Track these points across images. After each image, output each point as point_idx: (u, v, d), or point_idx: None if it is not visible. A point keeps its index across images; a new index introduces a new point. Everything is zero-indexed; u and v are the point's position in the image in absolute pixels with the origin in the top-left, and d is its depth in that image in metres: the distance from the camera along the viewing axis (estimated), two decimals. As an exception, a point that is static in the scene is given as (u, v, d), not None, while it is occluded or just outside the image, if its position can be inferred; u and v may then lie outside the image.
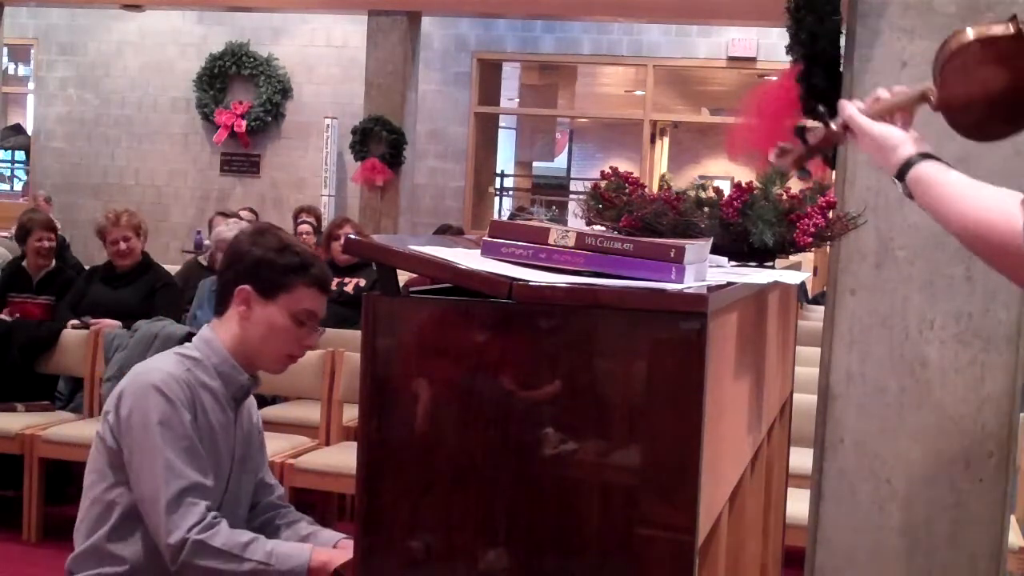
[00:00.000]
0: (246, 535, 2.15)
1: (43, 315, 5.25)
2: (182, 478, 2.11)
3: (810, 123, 1.91)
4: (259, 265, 2.27)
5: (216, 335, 2.29)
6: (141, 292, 5.26)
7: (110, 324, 5.00)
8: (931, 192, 1.70)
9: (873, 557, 2.75)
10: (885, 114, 1.80)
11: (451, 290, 1.43)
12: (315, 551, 2.17)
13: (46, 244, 5.55)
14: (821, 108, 1.89)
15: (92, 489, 2.24)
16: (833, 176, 3.02)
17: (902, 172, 1.73)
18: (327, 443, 4.68)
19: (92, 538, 2.21)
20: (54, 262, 5.65)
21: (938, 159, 1.73)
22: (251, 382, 2.32)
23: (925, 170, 1.71)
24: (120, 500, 2.20)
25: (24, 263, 5.64)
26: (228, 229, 5.87)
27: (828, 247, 2.74)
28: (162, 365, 2.24)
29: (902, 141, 1.76)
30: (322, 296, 2.30)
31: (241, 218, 7.81)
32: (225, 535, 2.11)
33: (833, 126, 1.84)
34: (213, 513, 2.13)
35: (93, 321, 5.05)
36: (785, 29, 3.29)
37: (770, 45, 11.17)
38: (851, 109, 1.82)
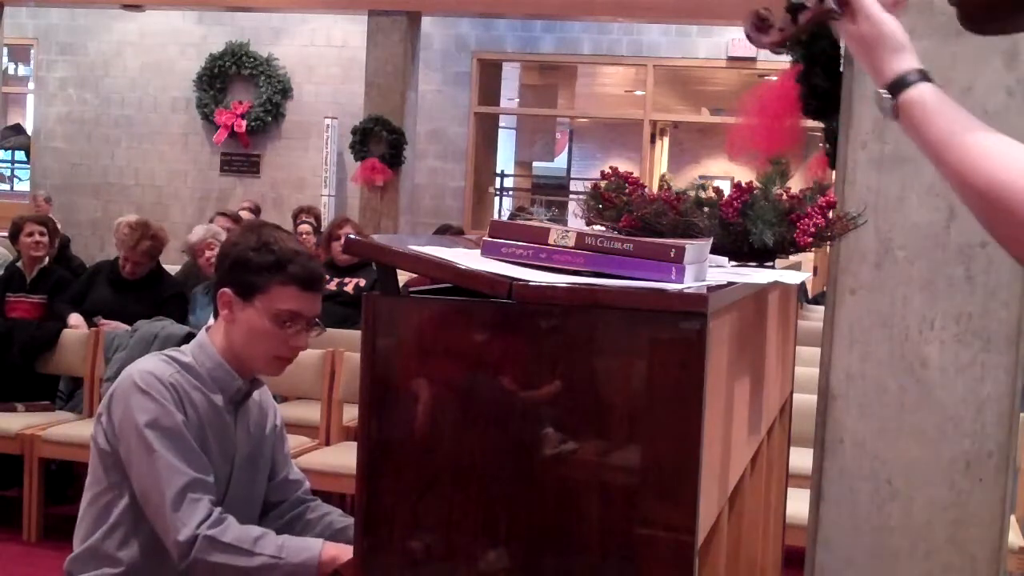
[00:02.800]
0: (256, 530, 2.14)
1: (36, 314, 5.25)
2: (182, 475, 2.10)
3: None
4: (235, 266, 2.22)
5: (210, 339, 2.27)
6: (149, 302, 5.25)
7: (117, 326, 5.00)
8: (929, 125, 1.43)
9: (873, 557, 2.75)
10: None
11: (451, 290, 1.43)
12: (326, 545, 2.15)
13: (37, 238, 5.55)
14: None
15: (89, 491, 2.24)
16: (833, 176, 3.02)
17: (895, 86, 1.46)
18: (327, 443, 4.68)
19: (90, 540, 2.21)
20: (48, 260, 5.64)
21: (938, 85, 1.47)
22: (247, 385, 2.29)
23: (927, 95, 1.44)
24: (116, 502, 2.19)
25: (19, 263, 5.65)
26: (201, 230, 5.85)
27: (828, 247, 2.74)
28: (145, 366, 2.21)
29: (906, 48, 1.48)
30: (304, 294, 2.21)
31: (240, 218, 7.81)
32: (235, 530, 2.10)
33: (830, 2, 1.51)
34: (219, 508, 2.12)
35: (103, 322, 5.04)
36: (785, 29, 3.29)
37: (770, 45, 11.15)
38: None
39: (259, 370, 2.29)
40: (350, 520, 2.36)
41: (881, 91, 1.48)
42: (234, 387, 2.26)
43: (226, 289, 2.22)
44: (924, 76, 1.46)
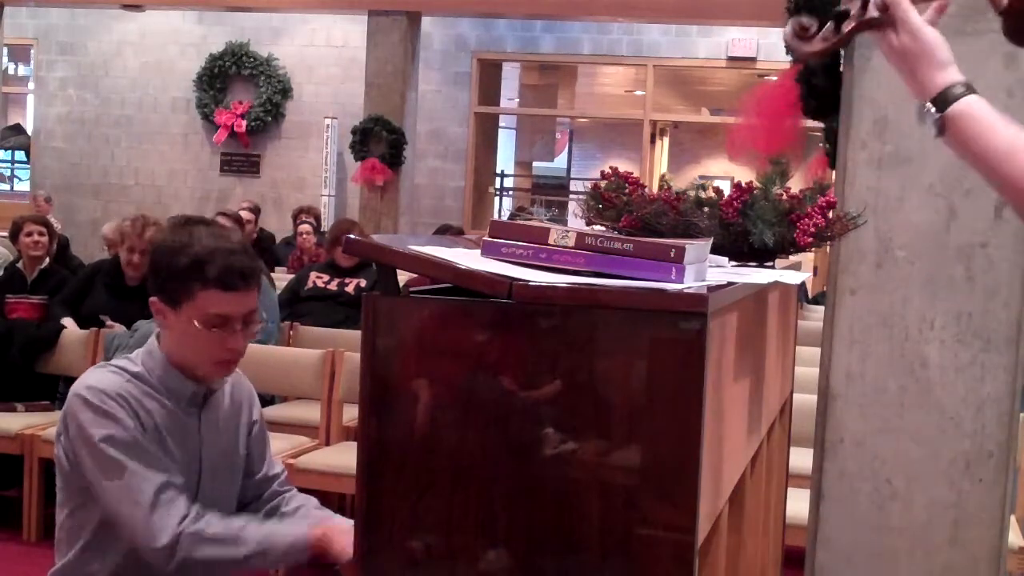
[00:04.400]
0: (239, 519, 2.09)
1: (37, 314, 5.24)
2: (150, 482, 2.03)
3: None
4: (157, 273, 2.12)
5: (158, 345, 2.18)
6: (144, 305, 5.19)
7: (118, 327, 4.99)
8: (979, 138, 1.40)
9: (873, 557, 2.75)
10: (931, 3, 1.50)
11: (451, 290, 1.43)
12: (311, 525, 2.11)
13: (36, 237, 5.54)
14: None
15: (62, 508, 2.18)
16: (833, 176, 3.02)
17: (941, 100, 1.43)
18: (327, 443, 4.68)
19: (67, 556, 2.16)
20: (47, 260, 5.64)
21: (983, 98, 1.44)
22: (202, 389, 2.19)
23: (975, 107, 1.41)
24: (90, 518, 2.14)
25: (20, 264, 5.65)
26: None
27: (828, 247, 2.74)
28: (92, 380, 2.11)
29: (950, 62, 1.45)
30: (229, 294, 2.07)
31: (240, 217, 7.80)
32: (217, 523, 2.05)
33: (873, 10, 1.48)
34: (197, 505, 2.07)
35: (111, 324, 5.03)
36: (785, 29, 3.29)
37: (770, 45, 11.18)
38: None
39: (204, 374, 2.17)
40: (324, 513, 2.33)
41: (926, 105, 1.45)
42: (187, 392, 2.17)
43: (154, 297, 2.13)
44: (970, 89, 1.44)
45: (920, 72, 1.46)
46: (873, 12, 1.48)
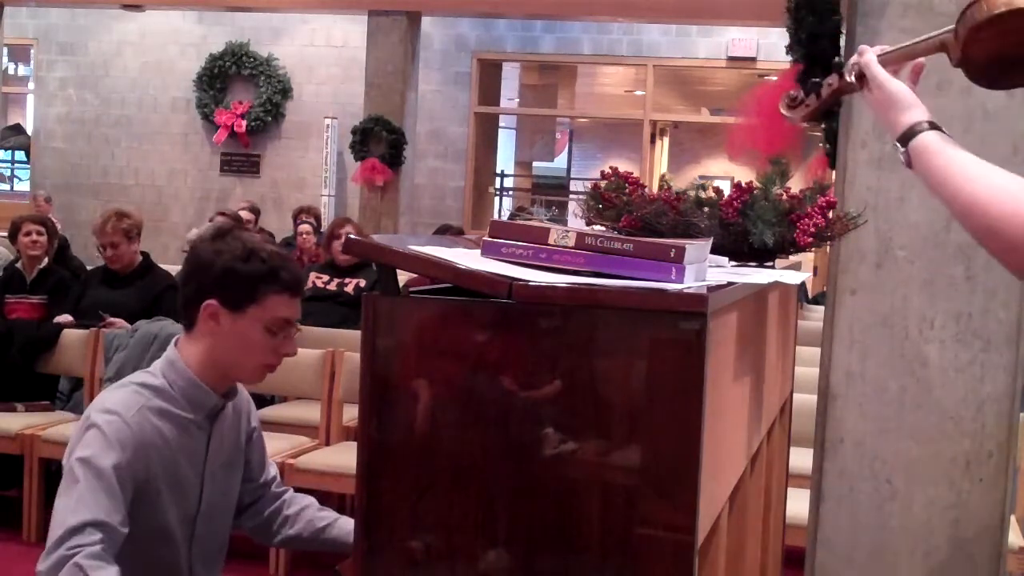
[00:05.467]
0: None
1: (36, 315, 5.25)
2: (89, 513, 1.95)
3: (828, 79, 1.85)
4: (224, 277, 2.11)
5: (181, 355, 2.16)
6: (141, 295, 5.23)
7: (123, 325, 5.00)
8: (934, 166, 1.64)
9: (873, 557, 2.75)
10: (900, 60, 1.74)
11: (451, 290, 1.43)
12: None
13: (35, 237, 5.55)
14: (837, 59, 1.86)
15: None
16: (833, 176, 3.02)
17: (906, 137, 1.67)
18: (327, 443, 4.68)
19: None
20: (46, 260, 5.64)
21: (946, 133, 1.67)
22: (223, 401, 2.20)
23: (931, 141, 1.65)
24: None
25: (19, 264, 5.65)
26: (203, 230, 5.82)
27: (828, 247, 2.74)
28: (113, 403, 2.09)
29: (914, 105, 1.70)
30: (294, 300, 2.14)
31: (240, 217, 7.81)
32: (108, 573, 1.92)
33: (848, 76, 1.77)
34: (108, 548, 1.95)
35: (111, 320, 5.04)
36: (785, 29, 3.30)
37: (770, 45, 11.18)
38: (870, 55, 1.74)
39: (244, 378, 2.21)
40: (329, 515, 2.33)
41: (896, 143, 1.69)
42: (210, 404, 2.17)
43: (211, 300, 2.11)
44: (932, 126, 1.66)
45: (891, 116, 1.70)
46: (849, 78, 1.77)
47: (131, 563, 2.09)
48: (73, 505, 1.96)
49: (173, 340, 2.22)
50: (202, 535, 2.22)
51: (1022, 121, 2.57)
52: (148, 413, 2.09)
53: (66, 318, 5.15)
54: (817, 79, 1.83)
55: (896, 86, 1.71)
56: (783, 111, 1.84)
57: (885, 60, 1.73)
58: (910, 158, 1.68)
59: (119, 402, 2.09)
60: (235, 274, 2.10)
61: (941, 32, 1.75)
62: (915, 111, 1.68)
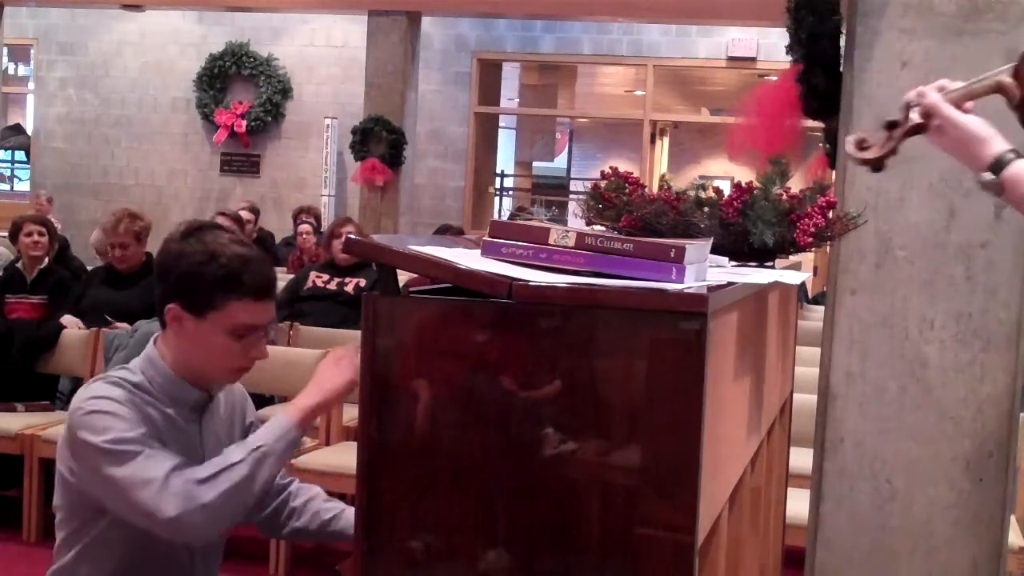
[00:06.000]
0: (221, 454, 2.00)
1: (36, 315, 5.25)
2: (159, 467, 1.94)
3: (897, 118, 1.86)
4: (183, 281, 2.05)
5: (159, 352, 2.12)
6: (142, 294, 5.24)
7: (121, 326, 5.01)
8: None
9: (873, 557, 2.75)
10: (961, 100, 1.79)
11: (451, 290, 1.43)
12: (289, 410, 2.05)
13: (36, 237, 5.55)
14: (905, 99, 1.83)
15: (59, 512, 2.14)
16: (833, 176, 3.02)
17: (995, 168, 1.74)
18: (327, 443, 4.68)
19: (63, 559, 2.13)
20: (47, 260, 5.65)
21: None
22: (205, 397, 2.16)
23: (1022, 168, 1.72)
24: (84, 529, 2.10)
25: (19, 264, 5.65)
26: None
27: (828, 247, 2.74)
28: (92, 393, 2.05)
29: (993, 136, 1.76)
30: (259, 304, 2.06)
31: (240, 217, 7.80)
32: (206, 466, 1.96)
33: (914, 117, 1.81)
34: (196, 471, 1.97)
35: (115, 324, 5.04)
36: (785, 29, 3.29)
37: (770, 45, 11.18)
38: (935, 97, 1.78)
39: (216, 381, 2.16)
40: (335, 506, 2.30)
41: (983, 174, 1.76)
42: (191, 399, 2.13)
43: (173, 304, 2.06)
44: (1018, 154, 1.74)
45: (972, 152, 1.77)
46: (916, 120, 1.80)
47: (131, 552, 2.09)
48: (139, 472, 1.93)
49: (152, 338, 2.18)
50: None
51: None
52: (132, 399, 2.06)
53: (72, 320, 5.15)
54: (890, 120, 1.84)
55: (972, 121, 1.77)
56: (853, 153, 1.86)
57: (949, 100, 1.79)
58: (1002, 187, 1.74)
59: (99, 390, 2.06)
60: (194, 279, 2.04)
61: (997, 72, 1.80)
62: (996, 141, 1.76)
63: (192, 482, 1.94)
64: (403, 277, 2.17)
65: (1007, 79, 1.77)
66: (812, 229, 2.27)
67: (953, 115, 1.77)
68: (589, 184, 2.46)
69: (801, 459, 3.26)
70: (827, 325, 2.82)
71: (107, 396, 2.04)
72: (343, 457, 4.36)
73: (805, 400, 3.30)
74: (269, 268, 2.11)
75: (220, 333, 2.05)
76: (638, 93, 14.00)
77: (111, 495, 2.02)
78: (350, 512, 2.28)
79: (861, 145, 1.86)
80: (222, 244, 2.06)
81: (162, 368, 2.11)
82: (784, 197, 2.32)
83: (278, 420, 2.05)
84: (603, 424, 1.36)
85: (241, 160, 13.06)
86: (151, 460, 1.97)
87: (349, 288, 5.94)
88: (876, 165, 1.86)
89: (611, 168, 2.45)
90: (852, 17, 2.79)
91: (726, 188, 2.34)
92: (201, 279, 2.03)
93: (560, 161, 18.70)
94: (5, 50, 12.58)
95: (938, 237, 2.68)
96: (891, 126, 1.84)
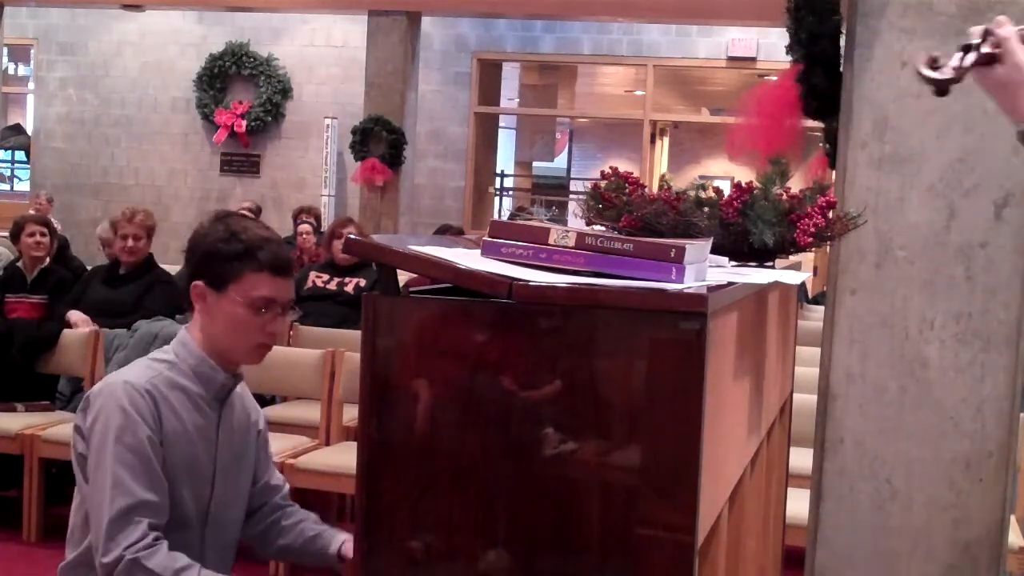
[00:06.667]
0: (181, 560, 2.07)
1: (36, 314, 5.25)
2: (129, 495, 2.05)
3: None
4: (205, 258, 2.21)
5: (190, 335, 2.25)
6: (138, 291, 5.26)
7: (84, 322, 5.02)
8: None
9: (873, 557, 2.75)
10: None
11: (451, 290, 1.43)
12: None
13: (38, 238, 5.56)
14: (985, 26, 1.69)
15: (77, 496, 2.21)
16: (833, 176, 3.02)
17: None
18: (327, 443, 4.68)
19: (80, 548, 2.17)
20: (48, 260, 5.65)
21: None
22: (231, 380, 2.27)
23: None
24: None
25: (20, 263, 5.65)
26: None
27: (828, 247, 2.74)
28: (128, 375, 2.18)
29: None
30: (277, 279, 2.20)
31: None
32: (161, 557, 2.05)
33: (985, 47, 1.68)
34: (155, 534, 2.07)
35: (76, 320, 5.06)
36: (785, 29, 3.29)
37: (770, 45, 11.17)
38: (1010, 28, 1.66)
39: (240, 359, 2.27)
40: (323, 528, 2.36)
41: (1022, 125, 1.65)
42: (218, 381, 2.24)
43: (198, 282, 2.21)
44: None
45: (1018, 99, 1.65)
46: (991, 48, 1.68)
47: None
48: (110, 490, 2.06)
49: (185, 326, 2.31)
50: (215, 522, 2.25)
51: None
52: (161, 385, 2.17)
53: (80, 316, 5.15)
54: (968, 43, 1.70)
55: None
56: (923, 70, 1.70)
57: (1020, 38, 1.66)
58: None
59: (133, 374, 2.19)
60: (215, 255, 2.19)
61: None
62: None
63: (137, 563, 2.03)
64: (403, 277, 2.19)
65: None
66: (812, 229, 2.27)
67: (1020, 53, 1.64)
68: (589, 184, 2.46)
69: (801, 459, 3.26)
70: (827, 325, 2.82)
71: (136, 385, 2.14)
72: (343, 457, 4.36)
73: (805, 400, 3.30)
74: (286, 250, 2.28)
75: (240, 305, 2.18)
76: (638, 93, 13.99)
77: (89, 490, 2.11)
78: (331, 532, 2.35)
79: (933, 64, 1.71)
80: (243, 226, 2.23)
81: (193, 349, 2.23)
82: (784, 197, 2.32)
83: None
84: (603, 424, 1.36)
85: (241, 160, 13.05)
86: (117, 488, 2.06)
87: (349, 288, 5.94)
88: (941, 88, 1.71)
89: (611, 168, 2.45)
90: (852, 17, 2.79)
91: (726, 188, 2.34)
92: (221, 254, 2.19)
93: (560, 161, 18.70)
94: (5, 50, 12.58)
95: (938, 237, 2.68)
96: (966, 49, 1.70)
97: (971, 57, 1.68)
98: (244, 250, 2.18)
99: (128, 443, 2.08)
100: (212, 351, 2.23)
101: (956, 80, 1.70)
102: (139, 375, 2.18)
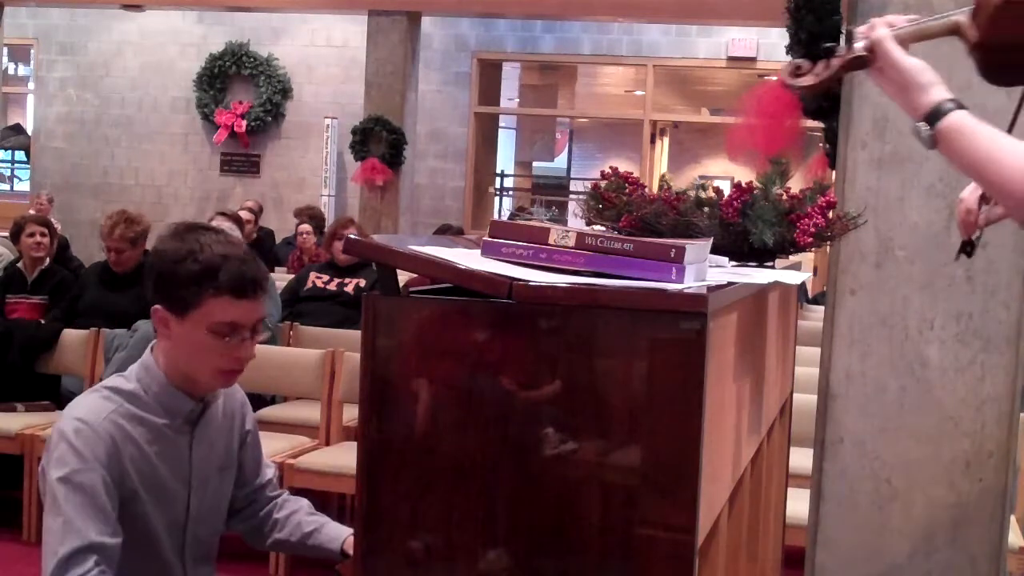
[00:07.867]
0: None
1: (37, 314, 5.25)
2: (79, 538, 1.94)
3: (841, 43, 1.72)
4: (161, 281, 2.04)
5: (154, 359, 2.11)
6: (137, 295, 5.24)
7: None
8: (966, 146, 1.56)
9: (873, 557, 2.75)
10: (912, 39, 1.65)
11: (451, 290, 1.43)
12: None
13: (38, 238, 5.56)
14: (848, 28, 1.71)
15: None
16: (833, 176, 3.02)
17: (931, 118, 1.59)
18: (327, 443, 4.68)
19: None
20: (48, 260, 5.65)
21: (968, 109, 1.59)
22: (200, 406, 2.13)
23: (960, 120, 1.57)
24: None
25: (20, 264, 5.65)
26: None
27: (828, 247, 2.74)
28: (83, 411, 2.05)
29: (935, 83, 1.61)
30: (240, 302, 2.01)
31: (240, 217, 7.79)
32: None
33: (858, 49, 1.65)
34: (102, 568, 1.97)
35: None
36: (785, 29, 3.30)
37: (770, 45, 11.18)
38: (884, 31, 1.63)
39: (205, 386, 2.12)
40: (319, 519, 2.30)
41: (919, 124, 1.61)
42: (185, 409, 2.11)
43: (157, 306, 2.05)
44: (958, 104, 1.59)
45: (910, 97, 1.62)
46: (859, 52, 1.65)
47: (129, 560, 2.07)
48: (60, 532, 1.94)
49: (150, 344, 2.17)
50: (193, 541, 2.18)
51: (1021, 119, 2.56)
52: (119, 419, 2.05)
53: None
54: (827, 45, 1.69)
55: (914, 64, 1.62)
56: (786, 79, 1.70)
57: (897, 38, 1.64)
58: (935, 140, 1.59)
59: (87, 409, 2.05)
60: (171, 278, 2.03)
61: (955, 12, 1.65)
62: (937, 89, 1.60)
63: None
64: (403, 277, 2.17)
65: (964, 19, 1.63)
66: (812, 229, 2.27)
67: (895, 54, 1.61)
68: (589, 184, 2.47)
69: (801, 459, 3.26)
70: (827, 325, 2.82)
71: (87, 422, 2.01)
72: (343, 457, 4.36)
73: (805, 400, 3.30)
74: (253, 268, 2.06)
75: (201, 332, 2.02)
76: (638, 93, 14.00)
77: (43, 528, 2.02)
78: (330, 527, 2.29)
79: (796, 72, 1.70)
80: (202, 243, 2.03)
81: (158, 377, 2.09)
82: (784, 197, 2.32)
83: None
84: (603, 424, 1.36)
85: (241, 160, 13.05)
86: (66, 528, 1.95)
87: (349, 288, 5.94)
88: (809, 94, 1.72)
89: (611, 168, 2.45)
90: (852, 17, 2.80)
91: (726, 188, 2.34)
92: (176, 277, 2.02)
93: (560, 161, 18.71)
94: (5, 50, 12.59)
95: (938, 237, 2.68)
96: (828, 53, 1.69)
97: (836, 62, 1.68)
98: (201, 271, 1.99)
99: (78, 483, 1.97)
100: (176, 376, 2.09)
101: (818, 87, 1.70)
102: (96, 410, 2.05)
